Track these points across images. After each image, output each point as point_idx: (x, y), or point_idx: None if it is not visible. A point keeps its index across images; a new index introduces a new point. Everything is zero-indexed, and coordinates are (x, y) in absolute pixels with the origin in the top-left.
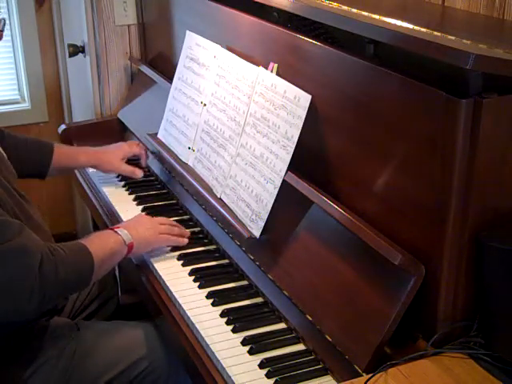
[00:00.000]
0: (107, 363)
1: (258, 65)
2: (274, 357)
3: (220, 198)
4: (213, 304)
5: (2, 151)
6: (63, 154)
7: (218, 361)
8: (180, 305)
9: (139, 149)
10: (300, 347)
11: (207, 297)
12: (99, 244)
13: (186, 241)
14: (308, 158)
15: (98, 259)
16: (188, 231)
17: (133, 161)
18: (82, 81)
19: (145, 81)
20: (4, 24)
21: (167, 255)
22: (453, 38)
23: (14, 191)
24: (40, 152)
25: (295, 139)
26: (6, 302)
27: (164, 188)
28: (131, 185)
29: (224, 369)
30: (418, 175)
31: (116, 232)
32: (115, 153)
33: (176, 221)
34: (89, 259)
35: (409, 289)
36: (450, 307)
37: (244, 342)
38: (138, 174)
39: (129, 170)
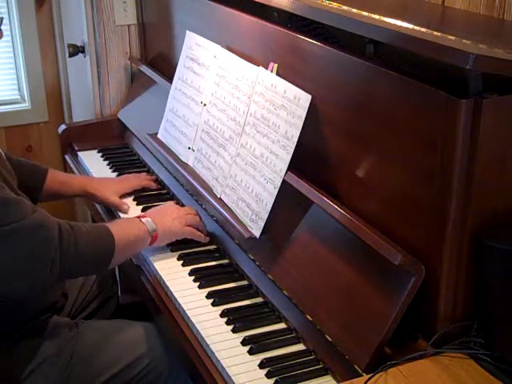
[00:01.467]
0: (107, 362)
1: (258, 65)
2: (274, 357)
3: (220, 198)
4: (213, 304)
5: (2, 152)
6: (56, 180)
7: (218, 361)
8: (180, 305)
9: (137, 182)
10: (300, 347)
11: (207, 297)
12: (123, 228)
13: (207, 238)
14: (308, 158)
15: (120, 242)
16: (206, 230)
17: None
18: (82, 81)
19: (145, 81)
20: (1, 22)
21: (167, 255)
22: (453, 38)
23: (13, 191)
24: (33, 175)
25: (295, 139)
26: (28, 276)
27: (164, 188)
28: None
29: (224, 369)
30: (418, 175)
31: (141, 221)
32: (109, 185)
33: None
34: (110, 240)
35: (409, 289)
36: (450, 307)
37: (244, 342)
38: (125, 209)
39: (116, 203)
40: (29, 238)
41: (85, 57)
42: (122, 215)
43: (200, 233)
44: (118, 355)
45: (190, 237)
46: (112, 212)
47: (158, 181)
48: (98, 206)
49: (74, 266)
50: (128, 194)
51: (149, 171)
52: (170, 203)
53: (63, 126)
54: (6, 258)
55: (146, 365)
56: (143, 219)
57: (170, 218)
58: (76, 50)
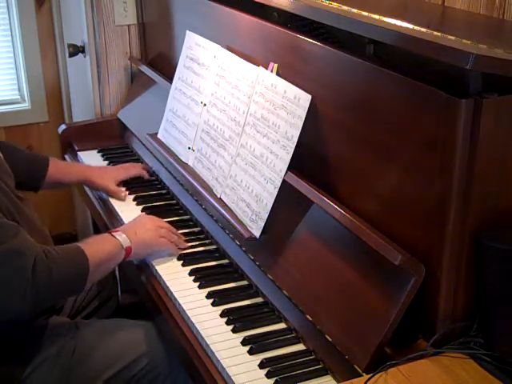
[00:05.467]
0: (107, 361)
1: (258, 65)
2: (274, 357)
3: (220, 198)
4: (213, 304)
5: (1, 154)
6: (57, 168)
7: (218, 361)
8: (180, 305)
9: (136, 170)
10: (300, 347)
11: (207, 297)
12: (96, 247)
13: (179, 251)
14: (308, 158)
15: (94, 262)
16: (187, 244)
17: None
18: (82, 81)
19: (145, 81)
20: None
21: (167, 255)
22: (453, 38)
23: (10, 191)
24: (36, 165)
25: (295, 139)
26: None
27: (164, 188)
28: (131, 185)
29: (224, 369)
30: (418, 175)
31: (114, 236)
32: (107, 172)
33: (176, 221)
34: (84, 262)
35: (409, 289)
36: (450, 307)
37: (244, 342)
38: (123, 196)
39: (115, 190)
40: (3, 265)
41: (85, 57)
42: (117, 204)
43: (174, 246)
44: (117, 355)
45: (165, 248)
46: (110, 210)
47: (157, 181)
48: (98, 207)
49: (48, 293)
50: (129, 194)
51: (149, 171)
52: (142, 215)
53: (63, 126)
54: None
55: (146, 364)
56: (115, 234)
57: (143, 229)
58: (76, 50)
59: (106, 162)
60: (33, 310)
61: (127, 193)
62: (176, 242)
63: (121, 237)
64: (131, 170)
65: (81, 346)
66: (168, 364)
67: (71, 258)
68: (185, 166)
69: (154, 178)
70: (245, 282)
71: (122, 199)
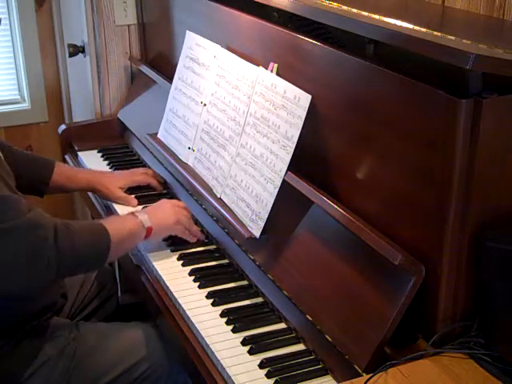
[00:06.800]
0: (107, 365)
1: (258, 65)
2: (274, 357)
3: (220, 198)
4: (213, 304)
5: (1, 153)
6: (63, 173)
7: (218, 361)
8: (180, 305)
9: (143, 178)
10: (300, 347)
11: (207, 297)
12: (117, 224)
13: (195, 239)
14: (308, 158)
15: (116, 238)
16: (203, 235)
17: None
18: (82, 81)
19: (145, 81)
20: None
21: (167, 255)
22: (453, 38)
23: (12, 191)
24: (40, 169)
25: (295, 139)
26: (24, 275)
27: (164, 188)
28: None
29: (224, 369)
30: (418, 175)
31: (135, 215)
32: (114, 178)
33: None
34: (105, 236)
35: (409, 289)
36: (450, 307)
37: (244, 342)
38: (132, 203)
39: (122, 197)
40: (25, 236)
41: (85, 57)
42: (117, 205)
43: (189, 234)
44: (118, 358)
45: (180, 235)
46: (111, 211)
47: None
48: (97, 206)
49: (71, 264)
50: (129, 194)
51: (159, 181)
52: (165, 200)
53: (63, 126)
54: (1, 255)
55: (147, 368)
56: (137, 213)
57: (164, 214)
58: (76, 50)
59: (106, 162)
60: (56, 279)
61: (136, 201)
62: (193, 232)
63: (142, 216)
64: (139, 177)
65: (81, 349)
66: (168, 367)
67: (93, 231)
68: (185, 165)
69: (158, 177)
70: (245, 282)
71: (134, 205)
